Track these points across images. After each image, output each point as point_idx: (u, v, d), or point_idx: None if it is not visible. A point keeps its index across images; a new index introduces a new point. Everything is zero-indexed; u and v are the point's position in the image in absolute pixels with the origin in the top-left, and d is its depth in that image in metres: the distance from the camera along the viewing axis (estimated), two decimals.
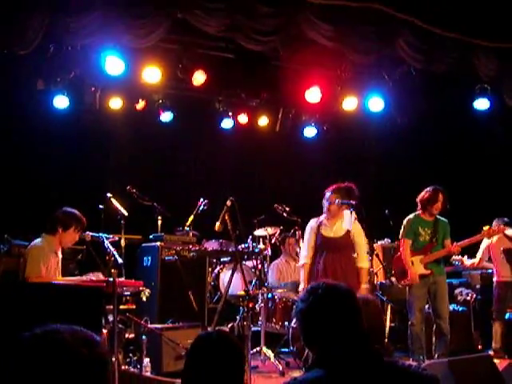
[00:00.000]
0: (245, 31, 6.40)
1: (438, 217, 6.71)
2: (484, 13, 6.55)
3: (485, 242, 7.54)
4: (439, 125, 9.35)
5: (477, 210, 7.98)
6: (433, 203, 6.59)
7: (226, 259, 8.21)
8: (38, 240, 5.63)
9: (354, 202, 5.94)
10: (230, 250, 7.09)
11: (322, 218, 6.26)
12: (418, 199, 6.74)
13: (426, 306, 6.64)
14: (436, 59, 6.94)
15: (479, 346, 7.64)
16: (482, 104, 8.69)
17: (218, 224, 5.48)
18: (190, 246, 7.19)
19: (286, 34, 6.53)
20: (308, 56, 7.59)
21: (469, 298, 7.91)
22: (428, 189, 6.69)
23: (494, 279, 7.51)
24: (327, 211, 6.19)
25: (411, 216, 6.76)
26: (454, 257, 7.52)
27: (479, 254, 7.65)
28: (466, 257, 7.74)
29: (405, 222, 6.78)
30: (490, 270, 7.86)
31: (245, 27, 6.35)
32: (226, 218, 5.41)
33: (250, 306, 5.30)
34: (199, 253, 6.78)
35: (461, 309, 7.82)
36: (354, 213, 6.00)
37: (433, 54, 6.89)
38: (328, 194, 6.18)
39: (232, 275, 5.75)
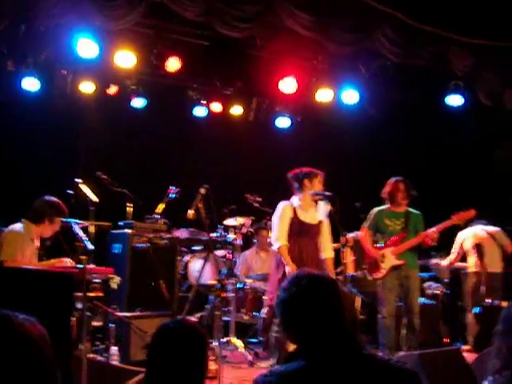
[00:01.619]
0: (223, 17, 6.31)
1: (411, 209, 6.73)
2: (462, 9, 6.57)
3: (459, 240, 7.68)
4: (413, 119, 9.40)
5: (448, 202, 8.01)
6: (396, 194, 6.63)
7: (197, 248, 8.13)
8: (17, 225, 5.52)
9: (329, 194, 5.92)
10: (203, 238, 6.98)
11: (296, 202, 6.11)
12: (383, 193, 6.77)
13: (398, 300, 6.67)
14: (413, 54, 6.95)
15: (446, 340, 7.71)
16: (455, 100, 8.76)
17: (190, 212, 5.39)
18: (162, 234, 7.10)
19: (264, 21, 6.46)
20: (284, 45, 7.54)
21: (438, 291, 7.99)
22: (388, 182, 6.75)
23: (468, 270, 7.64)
24: (307, 197, 6.08)
25: (378, 208, 6.81)
26: (432, 261, 7.69)
27: (455, 249, 7.74)
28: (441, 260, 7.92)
29: (371, 212, 6.83)
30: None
31: (223, 13, 6.26)
32: (200, 205, 5.33)
33: (223, 295, 5.21)
34: (172, 241, 6.66)
35: (430, 302, 7.88)
36: (329, 204, 5.98)
37: (410, 48, 6.90)
38: (310, 179, 6.09)
39: (205, 264, 5.67)
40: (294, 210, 6.02)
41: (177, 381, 2.55)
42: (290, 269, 5.72)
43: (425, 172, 8.19)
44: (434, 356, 4.77)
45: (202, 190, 5.40)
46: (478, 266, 7.48)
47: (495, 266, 7.52)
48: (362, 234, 6.86)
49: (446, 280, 8.27)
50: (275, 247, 6.01)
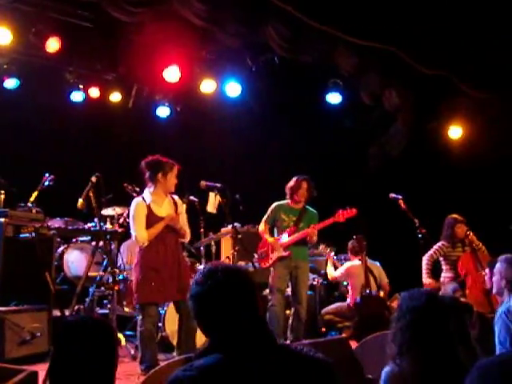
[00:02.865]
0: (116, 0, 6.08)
1: (308, 207, 6.94)
2: (351, 9, 6.79)
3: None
4: (295, 115, 9.61)
5: (326, 198, 8.28)
6: (297, 191, 6.80)
7: (84, 239, 7.79)
8: None
9: (219, 185, 5.91)
10: (92, 229, 6.70)
11: (149, 197, 5.77)
12: (286, 188, 6.92)
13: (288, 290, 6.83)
14: (301, 50, 7.11)
15: (323, 329, 7.98)
16: (334, 98, 9.09)
17: (80, 201, 5.14)
18: (35, 224, 6.72)
19: (157, 8, 6.30)
20: (173, 34, 7.40)
21: (315, 282, 8.25)
22: (294, 178, 6.90)
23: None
24: (160, 189, 5.77)
25: (278, 203, 6.98)
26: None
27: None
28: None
29: (271, 206, 6.97)
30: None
31: None
32: (91, 194, 5.09)
33: (116, 288, 5.03)
34: (59, 231, 6.33)
35: (308, 293, 8.10)
36: (218, 195, 5.97)
37: (299, 44, 7.05)
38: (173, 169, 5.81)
39: (93, 256, 5.45)
40: (148, 206, 5.70)
41: (83, 378, 2.45)
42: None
43: (304, 167, 8.37)
44: (322, 345, 4.90)
45: (93, 179, 5.15)
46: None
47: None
48: (261, 227, 6.99)
49: (322, 271, 8.57)
50: (141, 242, 5.66)
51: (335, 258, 8.32)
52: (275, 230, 7.00)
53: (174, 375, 2.23)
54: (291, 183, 6.88)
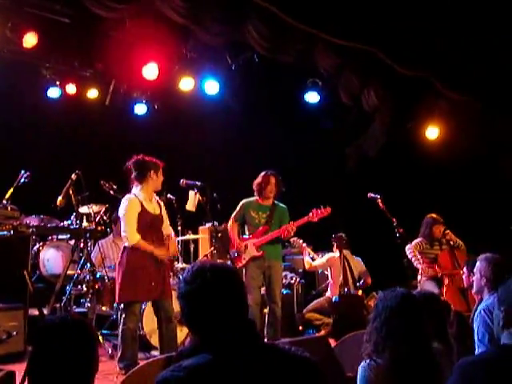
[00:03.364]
0: None
1: (277, 202, 6.87)
2: (331, 9, 6.82)
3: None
4: (273, 114, 9.62)
5: (309, 198, 8.29)
6: (265, 186, 6.72)
7: (62, 237, 7.69)
8: None
9: (198, 183, 5.88)
10: (72, 227, 6.61)
11: (140, 194, 5.74)
12: (253, 185, 6.84)
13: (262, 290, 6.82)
14: (281, 49, 7.11)
15: (300, 328, 8.01)
16: (312, 97, 9.12)
17: (60, 198, 5.08)
18: (12, 221, 6.62)
19: (138, 4, 6.25)
20: (153, 31, 7.35)
21: (293, 281, 8.27)
22: (261, 174, 6.82)
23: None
24: (149, 187, 5.79)
25: (246, 200, 6.89)
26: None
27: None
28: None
29: (239, 204, 6.90)
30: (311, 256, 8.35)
31: None
32: (71, 192, 5.03)
33: (96, 287, 4.97)
34: (38, 229, 6.24)
35: (285, 292, 8.13)
36: (198, 194, 5.94)
37: (279, 43, 7.05)
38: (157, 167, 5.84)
39: (73, 254, 5.39)
40: (141, 203, 5.69)
41: (63, 378, 2.43)
42: (157, 253, 5.60)
43: (282, 166, 8.40)
44: (302, 344, 4.91)
45: (73, 176, 5.10)
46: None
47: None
48: (229, 225, 6.92)
49: (300, 270, 8.60)
50: (131, 244, 5.60)
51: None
52: (246, 227, 6.93)
53: (162, 375, 2.21)
54: (258, 179, 6.79)
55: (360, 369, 3.11)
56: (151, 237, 5.70)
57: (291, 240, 8.04)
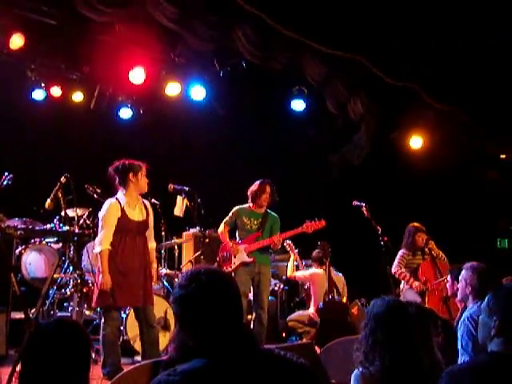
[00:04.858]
0: None
1: (269, 211, 6.90)
2: (319, 18, 6.87)
3: None
4: (260, 120, 9.64)
5: (294, 205, 8.34)
6: (260, 195, 6.74)
7: (50, 240, 7.63)
8: None
9: (186, 188, 5.88)
10: (60, 230, 6.56)
11: (122, 199, 5.68)
12: (248, 191, 6.86)
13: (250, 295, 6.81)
14: (270, 56, 7.14)
15: (283, 334, 8.02)
16: (298, 105, 9.17)
17: (48, 201, 5.04)
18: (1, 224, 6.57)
19: (128, 8, 6.24)
20: (140, 35, 7.35)
21: (276, 287, 8.28)
22: (257, 182, 6.84)
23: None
24: (132, 192, 5.71)
25: (239, 206, 6.90)
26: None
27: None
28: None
29: (233, 209, 6.91)
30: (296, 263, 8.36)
31: None
32: (60, 195, 5.00)
33: (84, 290, 4.94)
34: (27, 232, 6.18)
35: (269, 298, 8.13)
36: (185, 199, 5.93)
37: (268, 51, 7.08)
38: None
39: (60, 258, 5.35)
40: (122, 209, 5.63)
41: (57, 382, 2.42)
42: (104, 279, 5.40)
43: (267, 172, 8.43)
44: (288, 350, 4.91)
45: (63, 179, 5.06)
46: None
47: None
48: (220, 229, 6.92)
49: (284, 277, 8.61)
50: (98, 250, 5.52)
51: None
52: (237, 233, 6.94)
53: (158, 379, 2.20)
54: (254, 187, 6.81)
55: (353, 377, 3.12)
56: (129, 242, 5.62)
57: (285, 243, 8.01)
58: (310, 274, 7.98)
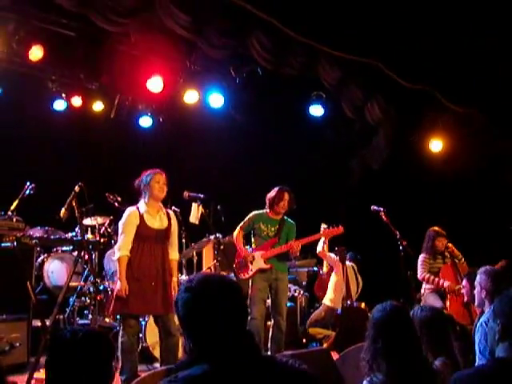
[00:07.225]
0: (100, 9, 6.07)
1: (286, 218, 6.86)
2: (334, 23, 6.86)
3: None
4: (278, 126, 9.66)
5: (313, 211, 8.30)
6: (278, 202, 6.69)
7: (65, 248, 7.73)
8: None
9: (202, 196, 5.90)
10: (75, 239, 6.65)
11: (143, 207, 5.71)
12: (266, 198, 6.83)
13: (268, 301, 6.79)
14: (285, 62, 7.14)
15: (304, 340, 7.99)
16: (316, 110, 9.16)
17: (63, 210, 5.11)
18: (16, 233, 6.65)
19: (142, 18, 6.31)
20: (157, 44, 7.43)
21: (296, 293, 8.25)
22: (275, 188, 6.79)
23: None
24: (152, 201, 5.72)
25: (256, 212, 6.86)
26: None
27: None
28: None
29: (249, 214, 6.87)
30: (316, 268, 8.32)
31: (101, 5, 6.03)
32: (74, 204, 5.06)
33: (98, 298, 4.99)
34: (41, 240, 6.27)
35: (289, 304, 8.11)
36: (201, 206, 5.95)
37: (282, 57, 7.09)
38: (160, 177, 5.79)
39: (75, 266, 5.40)
40: (142, 216, 5.65)
41: None
42: (120, 286, 5.42)
43: (286, 179, 8.45)
44: (304, 356, 4.90)
45: (77, 188, 5.13)
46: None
47: None
48: (235, 233, 6.87)
49: (304, 283, 8.59)
50: (117, 256, 5.57)
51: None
52: (252, 239, 6.89)
53: None
54: (272, 193, 6.77)
55: None
56: (147, 250, 5.63)
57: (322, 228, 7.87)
58: (338, 260, 7.90)
